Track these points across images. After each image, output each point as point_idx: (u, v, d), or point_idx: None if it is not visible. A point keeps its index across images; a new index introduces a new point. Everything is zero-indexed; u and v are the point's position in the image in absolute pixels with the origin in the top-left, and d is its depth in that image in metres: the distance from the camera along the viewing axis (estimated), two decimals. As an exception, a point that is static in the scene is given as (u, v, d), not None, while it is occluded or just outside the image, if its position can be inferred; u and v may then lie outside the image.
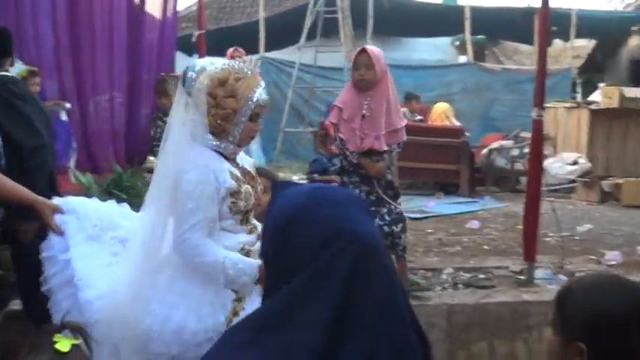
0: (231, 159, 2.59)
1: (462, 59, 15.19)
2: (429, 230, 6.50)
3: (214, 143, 2.51)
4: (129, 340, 2.41)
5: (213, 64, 2.54)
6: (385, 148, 4.22)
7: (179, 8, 9.70)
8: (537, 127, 4.74)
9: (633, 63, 16.41)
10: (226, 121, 2.48)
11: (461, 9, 13.73)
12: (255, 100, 2.49)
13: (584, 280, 1.76)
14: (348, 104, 4.28)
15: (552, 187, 7.83)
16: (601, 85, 11.20)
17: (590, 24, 14.08)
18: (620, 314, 1.59)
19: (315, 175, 5.85)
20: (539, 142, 4.82)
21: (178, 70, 10.06)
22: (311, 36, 11.96)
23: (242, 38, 13.00)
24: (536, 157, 4.81)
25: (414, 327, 1.37)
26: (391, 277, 1.37)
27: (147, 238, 2.53)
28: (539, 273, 4.73)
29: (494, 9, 14.54)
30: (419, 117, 10.09)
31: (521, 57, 16.31)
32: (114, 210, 2.81)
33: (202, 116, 2.48)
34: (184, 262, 2.49)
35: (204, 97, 2.47)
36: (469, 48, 13.75)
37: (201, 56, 7.90)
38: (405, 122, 4.48)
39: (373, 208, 4.20)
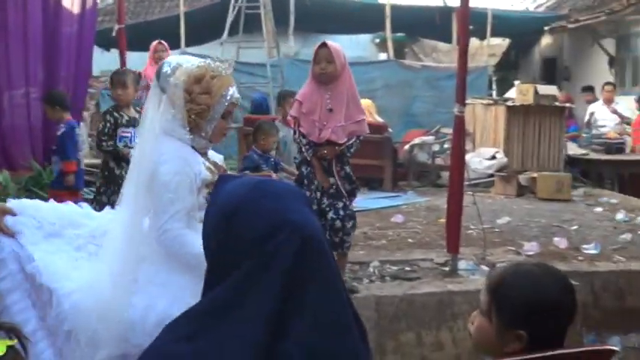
0: (202, 153, 2.66)
1: (383, 56, 15.43)
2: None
3: (186, 137, 2.57)
4: (109, 330, 2.41)
5: (189, 62, 2.63)
6: (343, 140, 4.33)
7: (96, 1, 9.46)
8: (459, 122, 4.92)
9: (545, 61, 17.13)
10: (200, 117, 2.56)
11: (381, 7, 13.94)
12: (228, 98, 2.59)
13: (515, 270, 1.86)
14: (307, 98, 4.38)
15: (472, 182, 8.08)
16: (516, 82, 11.62)
17: (504, 23, 14.55)
18: (553, 300, 1.72)
19: (247, 172, 5.85)
20: (460, 137, 4.99)
21: (96, 66, 9.85)
22: (233, 31, 11.90)
23: (162, 33, 12.74)
24: (458, 152, 4.99)
25: (351, 309, 1.43)
26: (331, 263, 1.42)
27: (127, 232, 2.55)
28: (462, 264, 4.92)
29: (413, 7, 14.86)
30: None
31: (440, 55, 16.69)
32: (74, 210, 2.80)
33: (177, 111, 2.54)
34: (165, 253, 2.51)
35: (180, 92, 2.54)
36: (389, 45, 13.99)
37: (121, 52, 7.74)
38: (365, 115, 4.62)
39: (330, 201, 4.30)
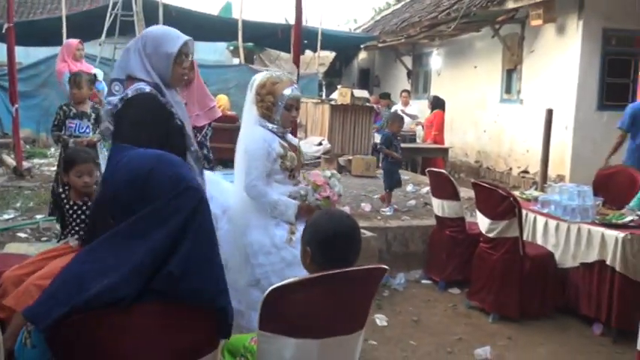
0: (280, 136, 3.04)
1: (236, 61, 15.44)
2: (212, 194, 6.76)
3: (268, 125, 3.01)
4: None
5: (262, 74, 3.10)
6: (202, 124, 4.58)
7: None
8: (293, 115, 5.22)
9: (362, 71, 18.00)
10: (269, 110, 3.00)
11: (235, 21, 13.96)
12: (286, 96, 3.00)
13: (320, 212, 2.22)
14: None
15: (304, 162, 8.52)
16: (339, 86, 12.17)
17: (332, 40, 15.03)
18: (322, 229, 2.05)
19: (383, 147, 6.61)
20: (294, 127, 5.30)
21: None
22: (110, 33, 11.44)
23: (46, 32, 12.02)
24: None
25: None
26: (211, 219, 1.62)
27: (239, 188, 3.04)
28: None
29: (260, 23, 14.95)
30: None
31: (282, 62, 16.98)
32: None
33: (254, 107, 3.03)
34: (251, 200, 2.99)
35: (253, 94, 3.03)
36: (241, 52, 14.05)
37: (10, 48, 7.28)
38: (214, 102, 4.89)
39: None
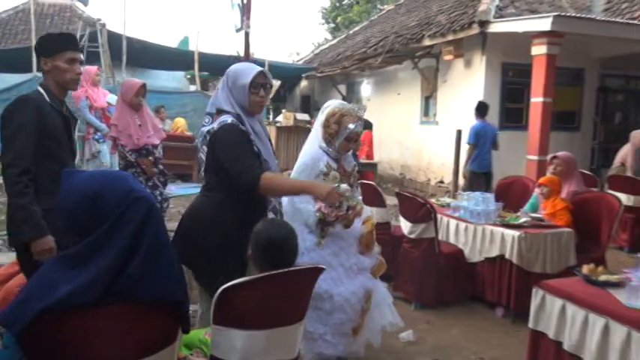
0: (334, 158, 2.95)
1: (192, 88, 15.24)
2: (172, 206, 6.62)
3: (324, 147, 2.94)
4: None
5: (334, 103, 3.00)
6: (157, 142, 4.49)
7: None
8: (243, 136, 5.22)
9: (303, 97, 18.09)
10: (331, 137, 2.92)
11: (192, 52, 13.80)
12: (349, 128, 2.91)
13: (262, 220, 2.23)
14: (122, 120, 4.44)
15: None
16: (283, 110, 12.19)
17: (277, 70, 14.98)
18: (263, 237, 2.08)
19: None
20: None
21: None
22: (77, 63, 11.06)
23: (17, 60, 11.52)
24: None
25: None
26: (163, 224, 1.59)
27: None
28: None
29: (214, 55, 14.85)
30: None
31: (233, 89, 16.88)
32: None
33: (319, 130, 2.95)
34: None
35: (322, 119, 2.95)
36: (197, 80, 13.87)
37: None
38: (160, 124, 4.84)
39: (150, 190, 4.38)
